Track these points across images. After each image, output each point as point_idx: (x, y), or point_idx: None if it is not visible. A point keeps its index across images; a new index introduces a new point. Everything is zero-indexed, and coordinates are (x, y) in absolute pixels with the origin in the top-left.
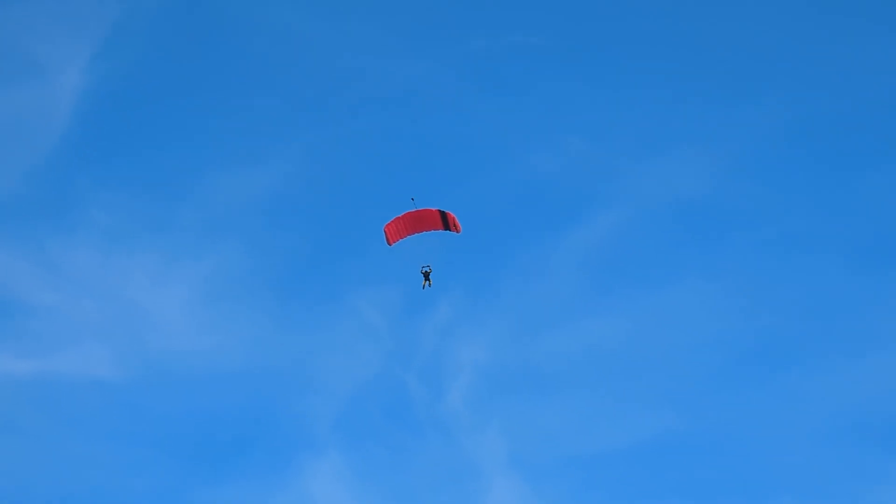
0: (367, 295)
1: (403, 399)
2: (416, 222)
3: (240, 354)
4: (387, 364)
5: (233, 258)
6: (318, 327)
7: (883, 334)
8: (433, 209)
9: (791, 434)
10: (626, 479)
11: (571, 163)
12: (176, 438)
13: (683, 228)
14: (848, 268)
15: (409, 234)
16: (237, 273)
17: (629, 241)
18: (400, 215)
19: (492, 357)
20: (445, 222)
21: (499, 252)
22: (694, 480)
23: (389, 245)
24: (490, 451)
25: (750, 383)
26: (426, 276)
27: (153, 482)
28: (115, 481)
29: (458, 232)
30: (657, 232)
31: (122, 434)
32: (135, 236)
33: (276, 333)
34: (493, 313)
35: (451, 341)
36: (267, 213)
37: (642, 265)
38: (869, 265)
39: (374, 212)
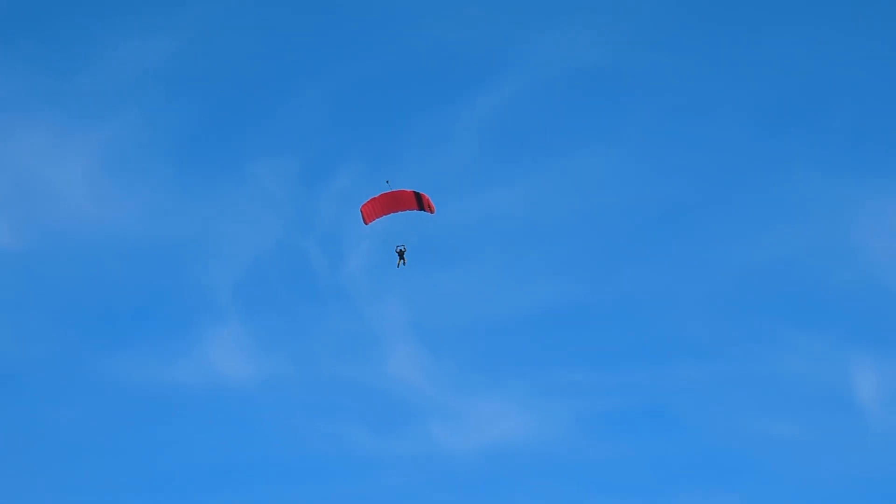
0: (266, 164)
1: (303, 267)
2: (391, 203)
3: (139, 223)
4: (287, 233)
5: (131, 127)
6: (218, 196)
7: (785, 200)
8: (408, 190)
9: (691, 300)
10: (527, 347)
11: (471, 31)
12: (75, 308)
13: (584, 96)
14: (750, 132)
15: (385, 214)
16: (135, 142)
17: (530, 109)
18: (375, 196)
19: (392, 225)
20: (420, 203)
21: (398, 122)
22: (595, 348)
23: (365, 224)
24: (390, 320)
25: (651, 250)
26: (401, 254)
27: (52, 351)
28: (13, 350)
29: (432, 213)
30: (558, 100)
31: (20, 303)
32: (30, 106)
33: (175, 202)
34: (393, 182)
35: (351, 210)
36: (165, 81)
37: (543, 133)
38: (771, 129)
39: (271, 81)
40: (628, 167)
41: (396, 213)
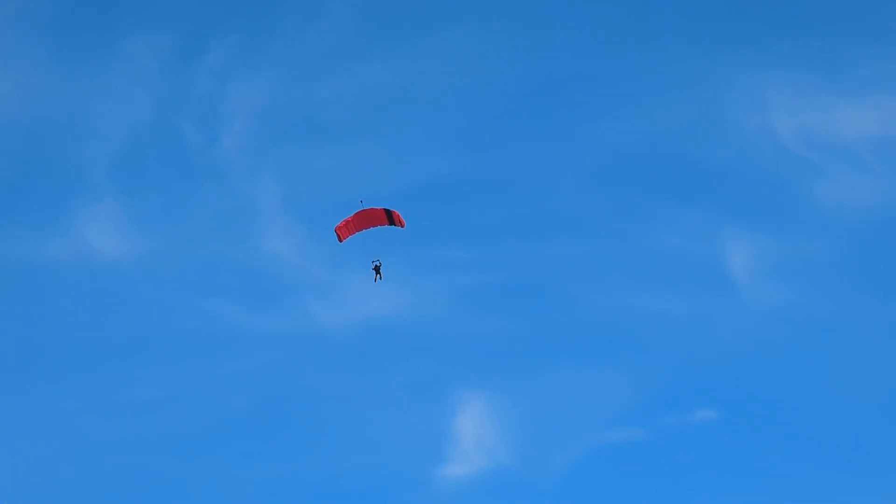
0: (140, 40)
1: (178, 144)
2: (363, 221)
3: (10, 101)
4: (161, 110)
5: (1, 4)
6: (91, 74)
7: (659, 75)
8: (379, 208)
9: (566, 175)
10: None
11: None
12: None
13: None
14: (623, 7)
15: (358, 231)
16: (7, 19)
17: None
18: (349, 217)
19: (267, 102)
20: (391, 219)
21: None
22: (470, 223)
23: (340, 242)
24: (265, 196)
25: (526, 126)
26: (377, 269)
27: None
28: None
29: (402, 227)
30: None
31: None
32: None
33: (48, 80)
34: (269, 59)
35: (226, 87)
36: None
37: (418, 10)
38: (645, 3)
39: None
40: (503, 43)
41: (369, 229)
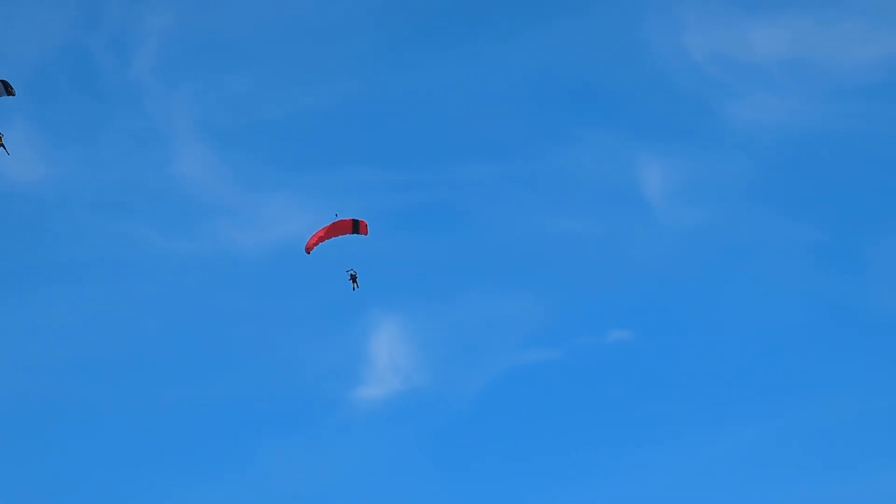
0: None
1: (90, 67)
2: (331, 231)
3: None
4: (73, 32)
5: None
6: None
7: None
8: (348, 219)
9: (480, 97)
10: (315, 145)
11: None
12: None
13: None
14: None
15: (325, 240)
16: None
17: None
18: (320, 231)
19: (179, 25)
20: (356, 228)
21: None
22: (383, 145)
23: (307, 253)
24: (178, 119)
25: (437, 46)
26: (353, 278)
27: None
28: None
29: (366, 235)
30: None
31: None
32: None
33: None
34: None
35: (138, 9)
36: None
37: None
38: None
39: None
40: None
41: (335, 238)
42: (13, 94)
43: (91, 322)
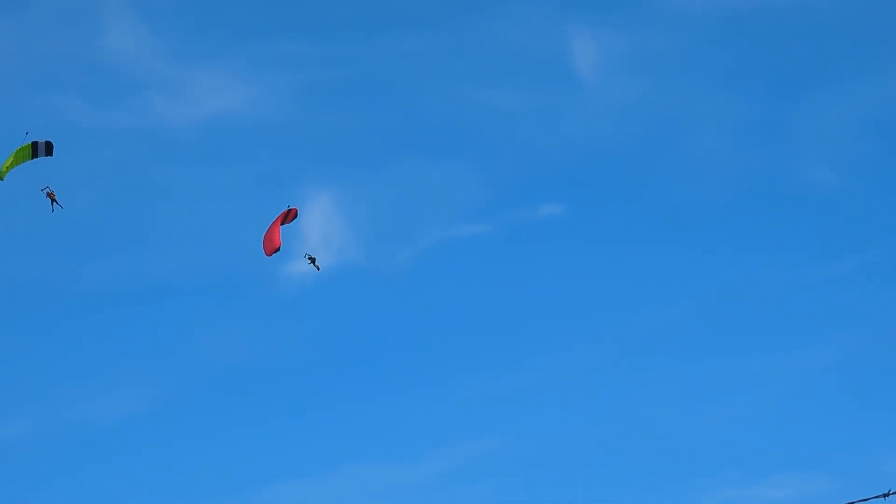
0: None
1: None
2: (278, 224)
3: None
4: None
5: None
6: None
7: None
8: (292, 209)
9: None
10: (245, 17)
11: None
12: None
13: None
14: None
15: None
16: None
17: None
18: (272, 234)
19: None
20: (290, 217)
21: None
22: (313, 17)
23: (276, 250)
24: None
25: None
26: (312, 261)
27: None
28: None
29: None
30: None
31: None
32: None
33: None
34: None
35: None
36: None
37: None
38: None
39: None
40: None
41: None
42: (51, 155)
43: (18, 194)
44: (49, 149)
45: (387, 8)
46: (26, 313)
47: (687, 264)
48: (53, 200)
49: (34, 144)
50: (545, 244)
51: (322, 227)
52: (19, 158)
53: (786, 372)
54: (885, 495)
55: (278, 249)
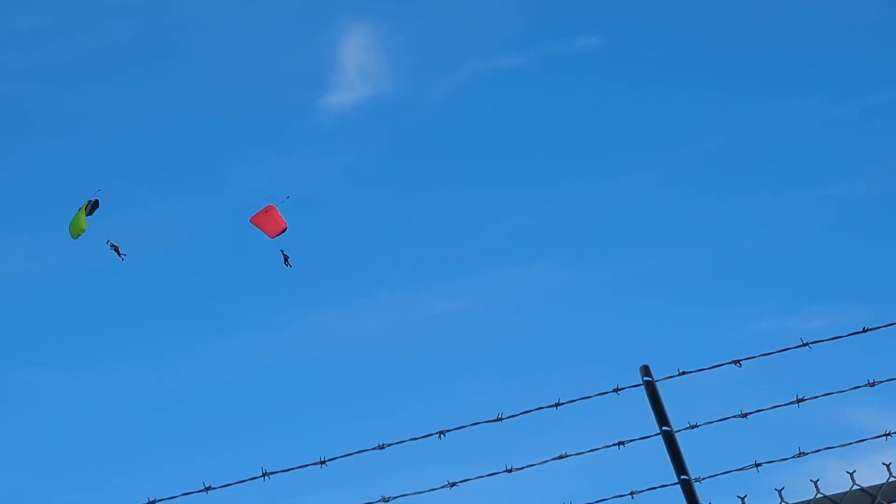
0: None
1: None
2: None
3: None
4: None
5: None
6: None
7: None
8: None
9: None
10: None
11: None
12: None
13: None
14: None
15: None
16: None
17: None
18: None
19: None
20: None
21: None
22: None
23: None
24: None
25: None
26: (286, 259)
27: None
28: None
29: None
30: None
31: None
32: None
33: None
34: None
35: None
36: None
37: None
38: None
39: None
40: None
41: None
42: (97, 207)
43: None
44: (95, 206)
45: None
46: (67, 139)
47: (725, 97)
48: (118, 251)
49: (91, 203)
50: (582, 76)
51: (359, 59)
52: (83, 217)
53: (823, 203)
54: None
55: (286, 229)
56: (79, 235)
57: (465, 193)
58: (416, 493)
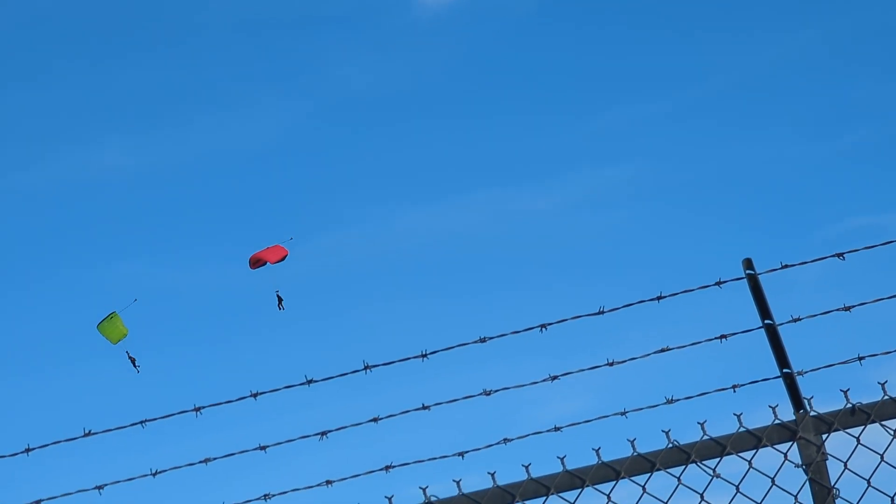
0: None
1: None
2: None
3: None
4: None
5: None
6: None
7: None
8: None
9: None
10: None
11: None
12: None
13: None
14: None
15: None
16: None
17: None
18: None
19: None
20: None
21: None
22: None
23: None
24: None
25: None
26: (280, 301)
27: None
28: None
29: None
30: None
31: None
32: None
33: None
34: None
35: None
36: None
37: None
38: None
39: None
40: None
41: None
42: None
43: None
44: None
45: None
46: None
47: None
48: (134, 363)
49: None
50: None
51: None
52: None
53: None
54: None
55: (286, 256)
56: (120, 340)
57: (561, 90)
58: (517, 387)
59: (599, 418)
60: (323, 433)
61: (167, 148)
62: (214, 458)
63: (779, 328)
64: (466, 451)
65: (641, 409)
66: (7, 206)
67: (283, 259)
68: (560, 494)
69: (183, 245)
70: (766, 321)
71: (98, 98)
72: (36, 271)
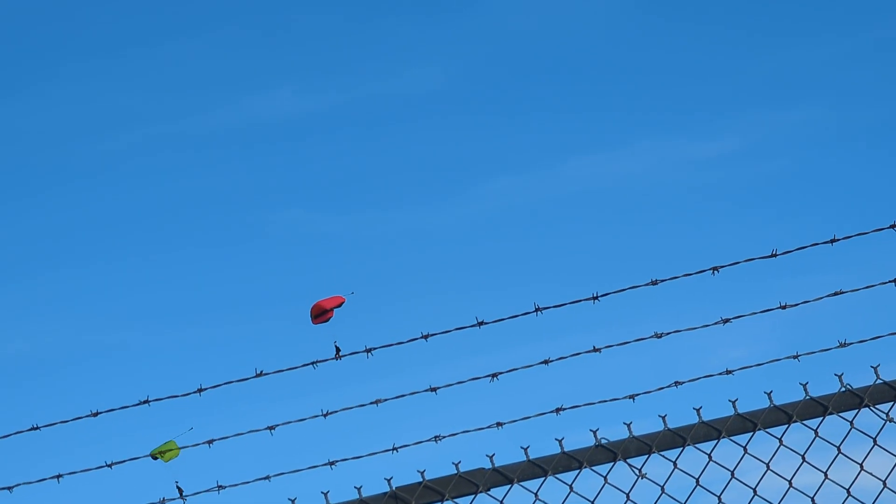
0: None
1: None
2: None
3: None
4: None
5: None
6: None
7: None
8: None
9: None
10: None
11: None
12: None
13: None
14: None
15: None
16: None
17: None
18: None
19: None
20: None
21: None
22: None
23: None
24: None
25: None
26: (337, 350)
27: None
28: None
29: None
30: None
31: None
32: None
33: None
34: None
35: None
36: None
37: None
38: None
39: None
40: None
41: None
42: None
43: None
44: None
45: None
46: None
47: None
48: (181, 493)
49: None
50: None
51: None
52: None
53: None
54: None
55: (343, 303)
56: (171, 459)
57: (730, 29)
58: (689, 329)
59: (771, 361)
60: (493, 375)
61: (333, 97)
62: (385, 400)
63: None
64: (637, 394)
65: (814, 352)
66: (187, 149)
67: (340, 305)
68: (731, 438)
69: (347, 191)
70: None
71: (270, 47)
72: (207, 219)
